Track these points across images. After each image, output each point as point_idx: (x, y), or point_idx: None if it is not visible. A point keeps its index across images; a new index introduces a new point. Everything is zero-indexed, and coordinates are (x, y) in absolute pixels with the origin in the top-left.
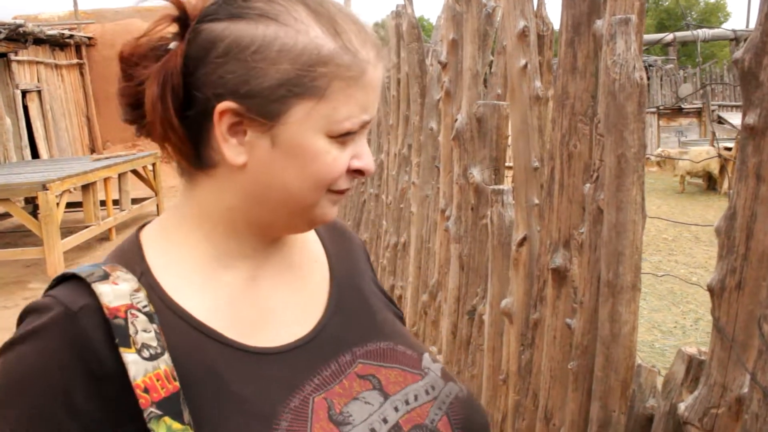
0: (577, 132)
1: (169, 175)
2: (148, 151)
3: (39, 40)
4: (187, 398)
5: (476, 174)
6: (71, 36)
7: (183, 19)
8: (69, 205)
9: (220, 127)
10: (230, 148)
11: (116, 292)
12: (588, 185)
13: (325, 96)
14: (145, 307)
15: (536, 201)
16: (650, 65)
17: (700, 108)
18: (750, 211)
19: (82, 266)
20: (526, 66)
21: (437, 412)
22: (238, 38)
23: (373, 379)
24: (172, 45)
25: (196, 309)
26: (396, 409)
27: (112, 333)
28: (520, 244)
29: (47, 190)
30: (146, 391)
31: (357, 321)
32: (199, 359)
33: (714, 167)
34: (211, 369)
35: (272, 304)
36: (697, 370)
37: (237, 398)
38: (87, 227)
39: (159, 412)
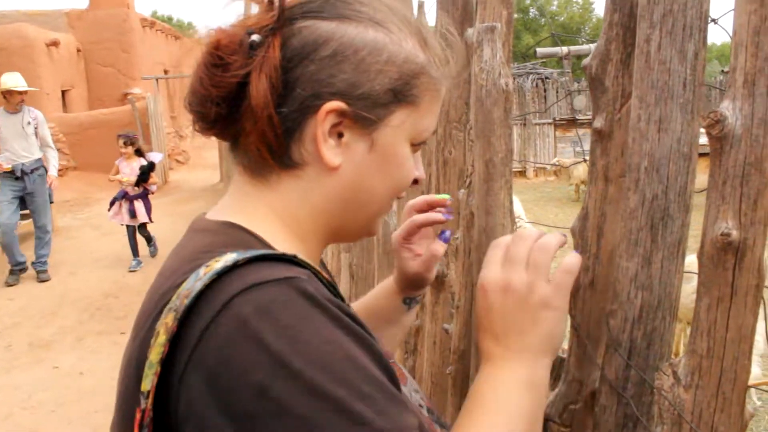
0: (452, 138)
1: (63, 190)
2: None
3: None
4: None
5: None
6: None
7: (280, 11)
8: None
9: (323, 126)
10: (329, 149)
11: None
12: (462, 191)
13: (418, 106)
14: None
15: None
16: (546, 77)
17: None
18: (600, 211)
19: (250, 252)
20: None
21: (424, 398)
22: (351, 40)
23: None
24: (256, 37)
25: None
26: (416, 392)
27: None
28: None
29: None
30: None
31: None
32: None
33: None
34: None
35: None
36: (559, 368)
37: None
38: None
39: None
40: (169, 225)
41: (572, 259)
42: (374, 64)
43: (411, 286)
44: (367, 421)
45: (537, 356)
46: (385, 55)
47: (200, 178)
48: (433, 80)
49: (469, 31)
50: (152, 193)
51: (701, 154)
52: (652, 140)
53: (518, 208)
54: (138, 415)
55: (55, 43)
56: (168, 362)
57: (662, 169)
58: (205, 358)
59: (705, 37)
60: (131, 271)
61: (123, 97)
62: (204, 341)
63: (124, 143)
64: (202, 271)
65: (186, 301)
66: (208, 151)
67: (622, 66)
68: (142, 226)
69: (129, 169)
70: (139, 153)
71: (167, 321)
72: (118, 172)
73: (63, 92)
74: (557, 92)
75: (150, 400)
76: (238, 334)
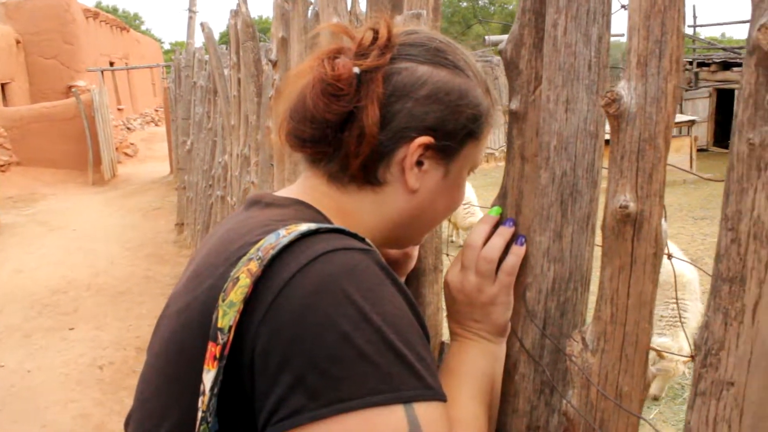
0: None
1: (6, 186)
2: None
3: None
4: None
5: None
6: None
7: (383, 49)
8: None
9: (412, 156)
10: (412, 175)
11: None
12: None
13: (480, 140)
14: None
15: None
16: (497, 65)
17: None
18: (518, 189)
19: (321, 225)
20: None
21: None
22: (444, 84)
23: None
24: (357, 69)
25: None
26: None
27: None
28: None
29: None
30: None
31: None
32: None
33: None
34: None
35: None
36: None
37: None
38: None
39: None
40: (118, 219)
41: (512, 260)
42: (460, 106)
43: None
44: (422, 377)
45: (491, 336)
46: (467, 99)
47: (150, 170)
48: (492, 120)
49: (398, 18)
50: None
51: None
52: (560, 120)
53: (470, 193)
54: (214, 349)
55: None
56: (248, 303)
57: (570, 147)
58: (291, 302)
59: (609, 22)
60: None
61: (67, 90)
62: (290, 287)
63: None
64: (283, 231)
65: (272, 252)
66: (157, 144)
67: (535, 50)
68: None
69: None
70: None
71: (250, 267)
72: None
73: (2, 85)
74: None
75: (231, 334)
76: (325, 286)
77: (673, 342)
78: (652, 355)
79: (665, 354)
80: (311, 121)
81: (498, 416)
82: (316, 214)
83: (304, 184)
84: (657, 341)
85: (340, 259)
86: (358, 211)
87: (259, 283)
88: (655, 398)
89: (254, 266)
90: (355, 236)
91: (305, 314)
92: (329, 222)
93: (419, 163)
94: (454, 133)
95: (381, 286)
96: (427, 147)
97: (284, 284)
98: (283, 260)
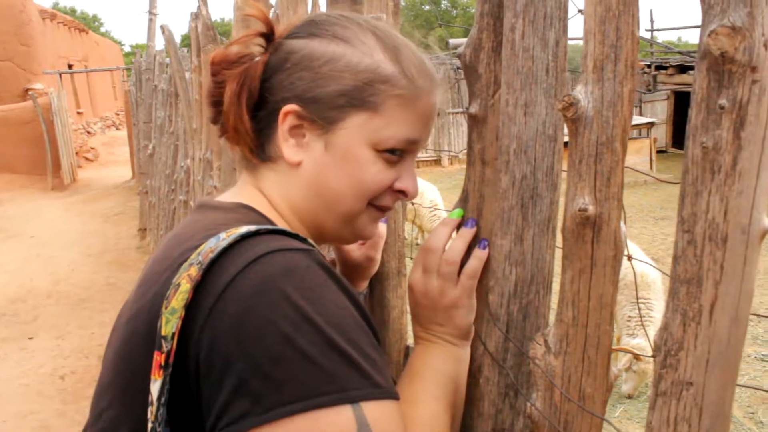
0: None
1: None
2: None
3: None
4: None
5: None
6: None
7: (269, 36)
8: None
9: (282, 127)
10: (288, 147)
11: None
12: None
13: (379, 112)
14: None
15: None
16: (459, 68)
17: None
18: (479, 193)
19: (261, 227)
20: None
21: None
22: (311, 52)
23: None
24: (258, 57)
25: None
26: None
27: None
28: None
29: None
30: None
31: None
32: None
33: None
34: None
35: None
36: None
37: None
38: None
39: None
40: (79, 225)
41: (474, 263)
42: (328, 72)
43: (356, 277)
44: (369, 375)
45: (455, 339)
46: (340, 64)
47: (111, 175)
48: (398, 89)
49: None
50: None
51: None
52: (519, 123)
53: (436, 195)
54: (159, 358)
55: None
56: (190, 308)
57: (529, 150)
58: (231, 305)
59: (565, 26)
60: None
61: (24, 93)
62: (230, 291)
63: None
64: (223, 234)
65: (211, 255)
66: (119, 148)
67: (494, 54)
68: None
69: None
70: None
71: (190, 272)
72: None
73: None
74: None
75: (175, 342)
76: (265, 288)
77: (646, 343)
78: (628, 356)
79: (642, 357)
80: (210, 104)
81: (463, 419)
82: (259, 217)
83: (239, 182)
84: (631, 342)
85: (279, 260)
86: (274, 192)
87: (199, 288)
88: (629, 396)
89: (194, 271)
90: (296, 237)
91: (245, 317)
92: (269, 221)
93: (303, 136)
94: (326, 100)
95: (322, 286)
96: (299, 117)
97: (224, 288)
98: (222, 264)
